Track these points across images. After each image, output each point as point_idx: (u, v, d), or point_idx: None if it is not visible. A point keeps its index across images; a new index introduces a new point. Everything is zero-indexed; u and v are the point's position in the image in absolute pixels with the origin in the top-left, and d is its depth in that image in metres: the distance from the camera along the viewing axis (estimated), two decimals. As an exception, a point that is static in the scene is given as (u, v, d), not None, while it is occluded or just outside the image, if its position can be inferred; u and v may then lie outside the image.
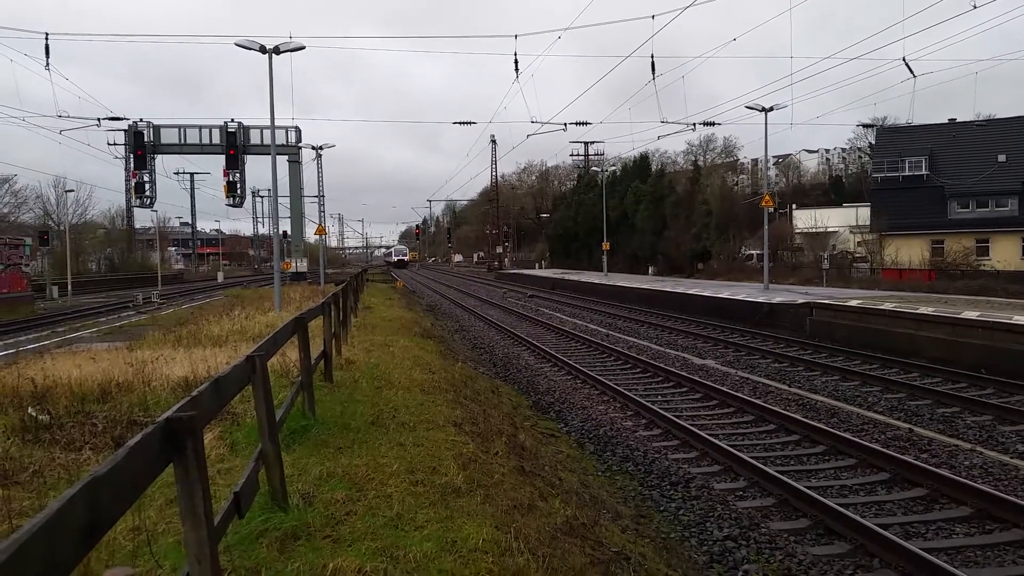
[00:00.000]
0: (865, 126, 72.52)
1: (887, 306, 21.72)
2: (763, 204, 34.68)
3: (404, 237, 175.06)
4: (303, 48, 23.80)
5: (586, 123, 47.17)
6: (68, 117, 39.68)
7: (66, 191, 63.21)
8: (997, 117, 59.63)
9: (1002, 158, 50.45)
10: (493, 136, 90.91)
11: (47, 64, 30.81)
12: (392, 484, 5.52)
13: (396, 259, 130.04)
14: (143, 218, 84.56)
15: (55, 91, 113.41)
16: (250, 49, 23.13)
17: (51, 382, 9.47)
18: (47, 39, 30.40)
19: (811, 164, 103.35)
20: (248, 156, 57.72)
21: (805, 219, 62.86)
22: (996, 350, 16.55)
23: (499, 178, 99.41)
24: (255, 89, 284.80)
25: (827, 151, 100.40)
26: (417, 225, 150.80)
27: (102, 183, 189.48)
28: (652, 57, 29.00)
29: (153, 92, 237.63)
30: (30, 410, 7.75)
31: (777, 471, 9.18)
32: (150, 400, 8.54)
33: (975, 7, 21.83)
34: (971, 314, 18.84)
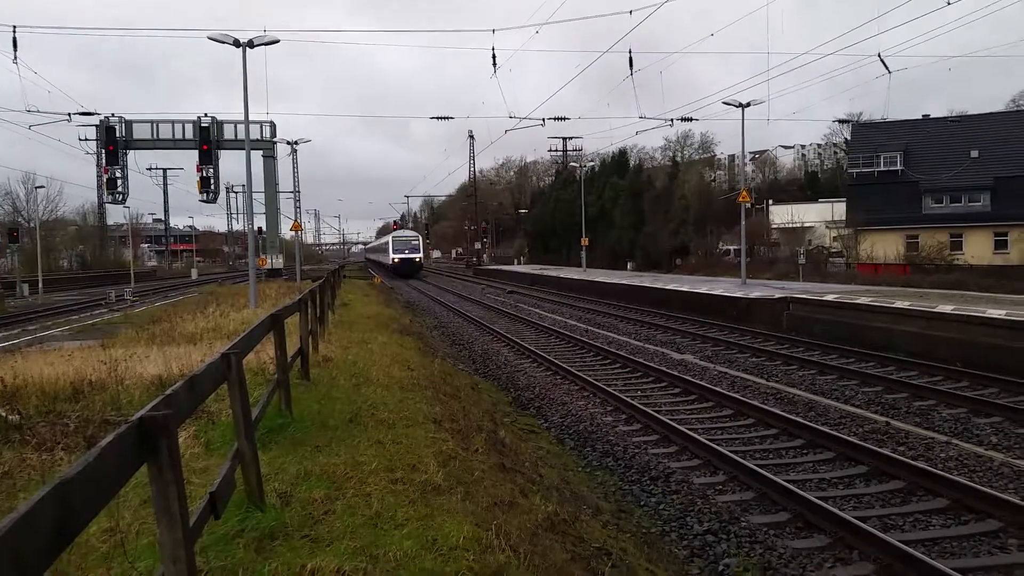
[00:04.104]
0: (841, 122, 73.22)
1: (863, 300, 21.92)
2: (740, 199, 34.85)
3: (382, 233, 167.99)
4: (277, 41, 23.59)
5: (564, 118, 47.02)
6: (38, 112, 39.02)
7: (36, 187, 62.14)
8: (970, 113, 60.47)
9: (975, 154, 51.08)
10: (471, 131, 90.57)
11: (15, 58, 30.31)
12: (371, 482, 5.46)
13: (397, 257, 71.73)
14: (115, 214, 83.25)
15: (23, 84, 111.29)
16: (223, 43, 22.87)
17: (21, 381, 9.30)
18: (15, 32, 29.90)
19: (787, 160, 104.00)
20: (222, 151, 57.19)
21: (782, 214, 63.42)
22: (970, 343, 16.75)
23: (477, 173, 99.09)
24: (215, 74, 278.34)
25: (803, 147, 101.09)
26: (395, 221, 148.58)
27: (73, 179, 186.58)
28: (630, 52, 29.14)
29: (103, 79, 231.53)
30: (-1, 410, 7.60)
31: (756, 465, 9.21)
32: (123, 399, 8.40)
33: (948, 3, 22.05)
34: (946, 308, 19.07)
